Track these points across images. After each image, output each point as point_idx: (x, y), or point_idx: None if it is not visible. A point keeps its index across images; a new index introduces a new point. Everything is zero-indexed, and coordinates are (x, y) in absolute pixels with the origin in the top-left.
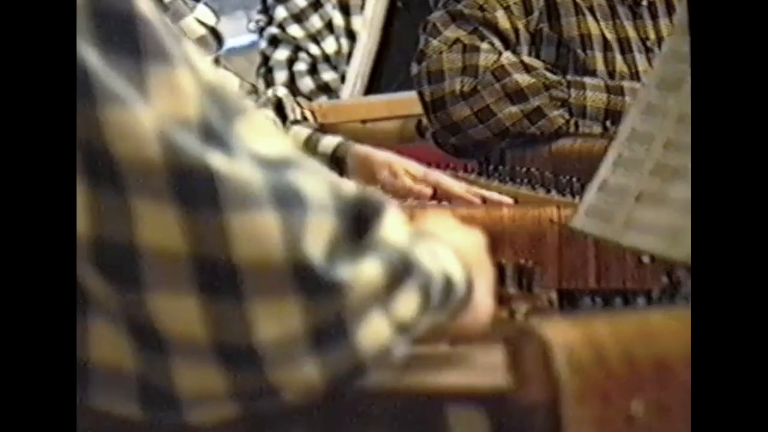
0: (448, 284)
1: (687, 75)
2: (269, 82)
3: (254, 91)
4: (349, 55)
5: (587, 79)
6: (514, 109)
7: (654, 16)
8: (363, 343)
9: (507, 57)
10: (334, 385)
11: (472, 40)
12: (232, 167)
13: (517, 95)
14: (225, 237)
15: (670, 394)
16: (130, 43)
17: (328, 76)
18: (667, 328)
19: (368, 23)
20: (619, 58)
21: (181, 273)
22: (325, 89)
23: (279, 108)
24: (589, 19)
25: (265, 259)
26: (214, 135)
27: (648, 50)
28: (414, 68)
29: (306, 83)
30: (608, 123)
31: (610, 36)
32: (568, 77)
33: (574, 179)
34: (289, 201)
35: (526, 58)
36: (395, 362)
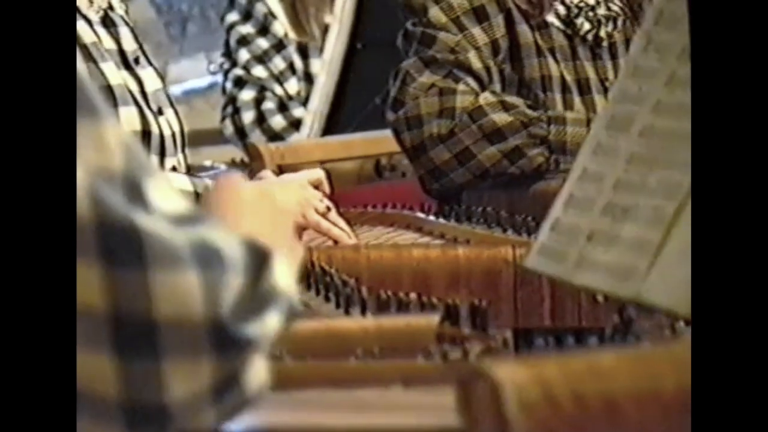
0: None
1: (636, 115)
2: (237, 123)
3: None
4: (307, 97)
5: (568, 114)
6: (493, 149)
7: (614, 57)
8: (250, 386)
9: (485, 97)
10: (222, 424)
11: (447, 83)
12: (156, 225)
13: (495, 135)
14: (147, 295)
15: None
16: None
17: (298, 112)
18: (616, 366)
19: (327, 64)
20: (577, 99)
21: (98, 331)
22: (297, 125)
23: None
24: (550, 60)
25: (186, 317)
26: (136, 191)
27: (606, 91)
28: (390, 116)
29: (277, 121)
30: None
31: (569, 77)
32: (549, 112)
33: (530, 218)
34: (209, 259)
35: (507, 97)
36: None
